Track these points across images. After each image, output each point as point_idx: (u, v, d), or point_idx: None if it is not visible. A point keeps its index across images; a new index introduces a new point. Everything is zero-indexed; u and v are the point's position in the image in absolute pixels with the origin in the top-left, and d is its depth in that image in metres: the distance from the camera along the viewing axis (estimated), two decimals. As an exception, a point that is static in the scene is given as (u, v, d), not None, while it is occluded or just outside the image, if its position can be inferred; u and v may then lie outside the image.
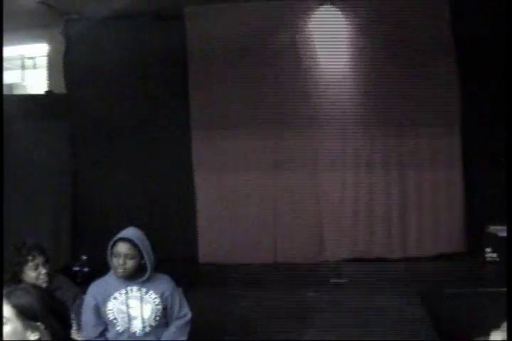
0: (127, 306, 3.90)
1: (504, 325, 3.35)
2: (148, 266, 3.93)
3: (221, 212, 7.49)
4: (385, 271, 6.80)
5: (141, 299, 3.92)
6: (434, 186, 7.40)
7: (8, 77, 10.97)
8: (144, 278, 3.94)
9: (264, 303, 5.78)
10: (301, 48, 7.33)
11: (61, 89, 7.75)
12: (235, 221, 7.45)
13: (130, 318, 3.90)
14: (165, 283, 4.04)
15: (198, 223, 7.53)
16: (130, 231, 3.98)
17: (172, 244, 6.74)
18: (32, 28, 7.79)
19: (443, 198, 7.39)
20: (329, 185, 7.42)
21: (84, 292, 4.15)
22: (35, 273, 3.89)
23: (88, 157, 7.52)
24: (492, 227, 7.13)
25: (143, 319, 3.91)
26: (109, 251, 3.91)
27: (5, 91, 10.25)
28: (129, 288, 3.93)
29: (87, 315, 3.95)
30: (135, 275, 3.93)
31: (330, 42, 7.20)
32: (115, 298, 3.92)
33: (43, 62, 9.39)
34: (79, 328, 4.01)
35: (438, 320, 5.41)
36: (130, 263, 3.88)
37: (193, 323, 4.06)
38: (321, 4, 7.22)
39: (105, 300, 3.91)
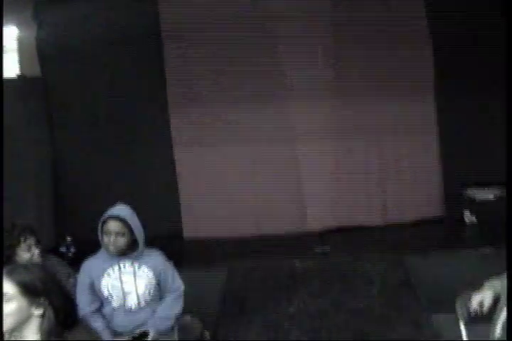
0: (121, 282, 3.96)
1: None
2: (140, 241, 3.99)
3: (202, 186, 7.51)
4: (367, 237, 6.95)
5: (135, 274, 3.98)
6: (411, 152, 7.49)
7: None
8: (136, 253, 4.01)
9: (250, 275, 5.88)
10: (275, 23, 7.33)
11: (33, 72, 7.67)
12: (217, 195, 7.48)
13: (124, 293, 3.97)
14: (156, 257, 4.11)
15: (181, 199, 7.57)
16: (119, 209, 4.03)
17: (156, 221, 6.77)
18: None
19: (420, 164, 7.48)
20: (307, 155, 7.47)
21: (75, 271, 4.21)
22: (28, 254, 3.92)
23: (67, 138, 7.48)
24: (470, 191, 7.28)
25: (137, 294, 3.98)
26: (99, 229, 3.96)
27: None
28: (121, 264, 4.00)
29: (82, 293, 4.01)
30: (127, 252, 3.99)
31: (307, 20, 7.22)
32: (108, 275, 3.99)
33: (11, 46, 9.28)
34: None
35: (422, 282, 5.55)
36: (121, 241, 3.95)
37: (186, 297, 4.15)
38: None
39: (99, 277, 3.98)
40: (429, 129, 7.46)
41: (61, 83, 7.42)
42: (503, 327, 3.22)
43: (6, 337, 2.35)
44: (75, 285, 4.07)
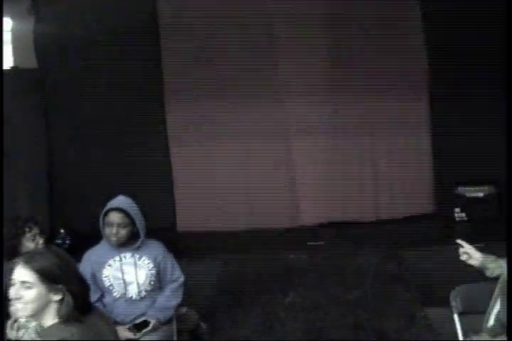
0: (122, 272, 4.04)
1: None
2: (141, 233, 4.07)
3: (196, 180, 7.56)
4: (359, 232, 7.03)
5: (135, 265, 4.06)
6: (403, 150, 7.58)
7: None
8: (137, 244, 4.08)
9: (245, 267, 5.95)
10: (273, 17, 7.39)
11: (28, 64, 7.68)
12: (211, 189, 7.53)
13: (126, 284, 4.04)
14: (157, 248, 4.19)
15: (175, 192, 7.64)
16: (120, 200, 4.11)
17: (150, 213, 6.81)
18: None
19: (412, 161, 7.57)
20: (300, 150, 7.55)
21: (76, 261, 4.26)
22: (33, 243, 3.96)
23: (62, 131, 7.51)
24: (460, 188, 7.37)
25: (138, 284, 4.05)
26: (101, 221, 4.04)
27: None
28: (122, 254, 4.08)
29: (84, 283, 4.07)
30: (127, 242, 4.06)
31: (303, 12, 7.27)
32: (110, 265, 4.06)
33: (5, 37, 9.26)
34: None
35: (414, 276, 5.65)
36: (123, 232, 4.03)
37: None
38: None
39: (100, 267, 4.06)
40: (422, 127, 7.54)
41: (58, 76, 7.43)
42: (496, 317, 3.31)
43: (24, 321, 2.41)
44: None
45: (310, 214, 7.56)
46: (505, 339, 3.10)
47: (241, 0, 7.35)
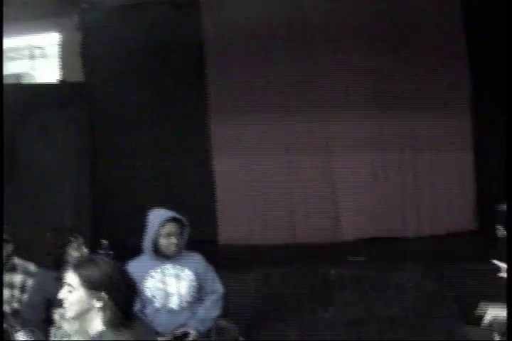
0: (164, 284, 4.08)
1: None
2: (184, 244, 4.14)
3: (239, 194, 7.63)
4: (400, 248, 6.98)
5: (177, 276, 4.11)
6: (446, 165, 7.54)
7: (17, 67, 11.06)
8: (178, 256, 4.13)
9: (286, 281, 5.96)
10: (315, 36, 7.44)
11: (74, 77, 7.84)
12: (254, 203, 7.60)
13: (167, 295, 4.09)
14: (198, 260, 4.26)
15: (218, 206, 7.69)
16: (171, 212, 4.16)
17: (193, 226, 6.86)
18: (42, 17, 7.88)
19: (455, 178, 7.53)
20: (344, 165, 7.55)
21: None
22: (78, 252, 4.05)
23: (108, 144, 7.63)
24: (503, 205, 7.28)
25: (179, 295, 4.10)
26: (155, 232, 4.08)
27: (13, 81, 10.37)
28: (164, 266, 4.14)
29: (125, 294, 4.13)
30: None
31: (342, 31, 7.31)
32: (152, 277, 4.12)
33: (52, 51, 9.46)
34: None
35: (455, 293, 5.59)
36: (181, 241, 4.12)
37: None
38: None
39: (142, 278, 4.10)
40: (465, 144, 7.49)
41: (104, 89, 7.56)
42: None
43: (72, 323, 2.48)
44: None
45: (351, 229, 7.54)
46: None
47: (284, 19, 7.38)
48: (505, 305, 3.49)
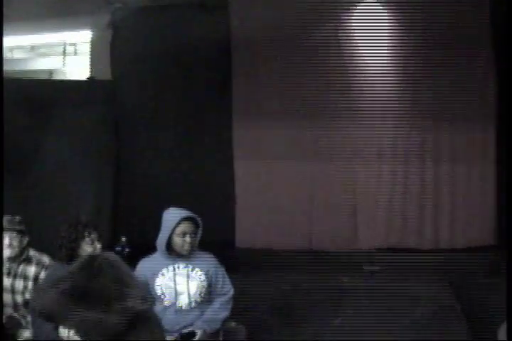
0: (175, 282, 4.12)
1: None
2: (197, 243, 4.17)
3: (259, 198, 7.63)
4: (416, 260, 6.95)
5: (188, 276, 4.14)
6: (467, 179, 7.48)
7: (49, 63, 11.21)
8: (191, 255, 4.16)
9: (298, 287, 5.97)
10: (343, 41, 7.42)
11: (102, 75, 7.93)
12: (272, 208, 7.58)
13: (177, 293, 4.12)
14: (209, 260, 4.28)
15: (237, 208, 7.71)
16: (187, 211, 4.19)
17: (211, 228, 6.89)
18: (75, 15, 7.97)
19: (476, 192, 7.46)
20: (364, 174, 7.53)
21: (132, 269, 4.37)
22: (91, 248, 4.11)
23: (132, 143, 7.70)
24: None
25: (189, 294, 4.13)
26: (170, 230, 4.11)
27: (45, 77, 10.52)
28: (176, 265, 4.17)
29: (136, 290, 4.17)
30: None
31: (371, 36, 7.26)
32: (163, 275, 4.15)
33: (84, 49, 9.57)
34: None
35: (469, 308, 5.55)
36: (195, 241, 4.15)
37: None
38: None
39: (153, 276, 4.14)
40: (487, 156, 7.43)
41: (130, 88, 7.64)
42: None
43: None
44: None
45: (368, 239, 7.51)
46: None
47: (311, 23, 7.39)
48: None
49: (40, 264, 4.52)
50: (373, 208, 7.52)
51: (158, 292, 4.12)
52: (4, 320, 4.38)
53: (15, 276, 4.48)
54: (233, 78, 7.66)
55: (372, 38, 7.27)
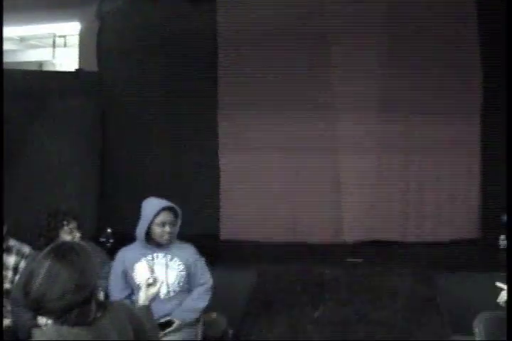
0: (153, 272, 4.12)
1: None
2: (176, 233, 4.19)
3: (243, 190, 7.66)
4: (399, 252, 6.99)
5: (166, 265, 4.15)
6: (451, 173, 7.53)
7: (39, 55, 11.22)
8: (170, 245, 4.18)
9: (279, 279, 5.99)
10: (331, 34, 7.47)
11: (91, 67, 7.94)
12: (257, 200, 7.62)
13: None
14: (189, 251, 4.29)
15: (221, 201, 7.75)
16: (166, 201, 4.20)
17: (195, 220, 6.92)
18: (65, 6, 7.98)
19: (460, 185, 7.53)
20: (349, 167, 7.57)
21: (111, 259, 4.40)
22: (70, 236, 4.13)
23: (118, 134, 7.72)
24: (507, 215, 7.25)
25: (167, 284, 4.14)
26: (149, 220, 4.13)
27: (35, 68, 10.51)
28: (155, 254, 4.17)
29: (115, 280, 4.20)
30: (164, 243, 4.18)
31: (358, 31, 7.34)
32: (142, 264, 4.16)
33: (73, 40, 9.59)
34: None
35: (448, 301, 5.59)
36: (174, 230, 4.16)
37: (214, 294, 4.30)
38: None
39: (132, 265, 4.15)
40: (472, 150, 7.48)
41: (116, 80, 7.66)
42: None
43: None
44: (109, 271, 4.26)
45: (352, 231, 7.57)
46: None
47: (298, 16, 7.43)
48: None
49: (20, 254, 4.52)
50: (357, 201, 7.55)
51: (137, 281, 4.13)
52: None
53: (-6, 266, 4.49)
54: (218, 69, 7.68)
55: (358, 31, 7.32)
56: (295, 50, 7.43)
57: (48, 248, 2.45)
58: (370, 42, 7.40)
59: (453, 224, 7.47)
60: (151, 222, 4.13)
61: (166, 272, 4.14)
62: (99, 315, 2.42)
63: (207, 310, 4.36)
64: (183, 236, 4.29)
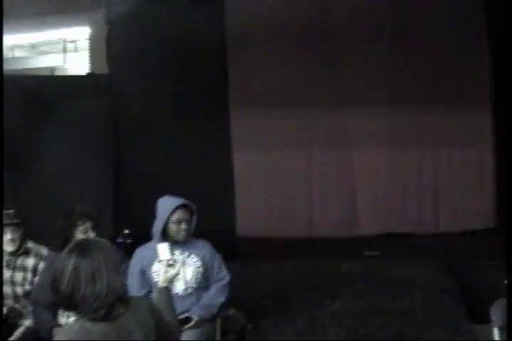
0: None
1: None
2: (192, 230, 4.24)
3: (258, 187, 7.70)
4: (416, 244, 6.99)
5: (184, 262, 4.18)
6: (466, 163, 7.54)
7: (50, 61, 11.28)
8: (186, 242, 4.23)
9: (297, 273, 6.02)
10: (338, 30, 7.50)
11: (101, 70, 7.98)
12: (272, 196, 7.66)
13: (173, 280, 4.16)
14: (205, 247, 4.34)
15: (237, 197, 7.75)
16: (181, 199, 4.25)
17: (211, 217, 6.93)
18: (73, 11, 8.04)
19: (475, 175, 7.53)
20: (363, 161, 7.60)
21: (128, 258, 4.45)
22: (85, 236, 4.17)
23: (133, 135, 7.75)
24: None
25: (185, 281, 4.18)
26: (165, 218, 4.18)
27: (46, 74, 10.57)
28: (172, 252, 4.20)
29: (133, 278, 4.24)
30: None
31: (367, 24, 7.36)
32: (159, 262, 4.19)
33: (84, 45, 9.64)
34: None
35: (466, 291, 5.59)
36: (190, 228, 4.23)
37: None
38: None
39: (150, 263, 4.19)
40: (485, 141, 7.47)
41: (127, 82, 7.69)
42: None
43: None
44: (126, 270, 4.30)
45: (369, 224, 7.58)
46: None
47: (308, 13, 7.44)
48: None
49: (38, 255, 4.59)
50: (373, 194, 7.57)
51: (155, 279, 4.16)
52: (6, 311, 4.46)
53: (14, 268, 4.56)
54: (229, 67, 7.71)
55: (367, 24, 7.34)
56: (305, 45, 7.44)
57: (71, 245, 2.49)
58: (379, 34, 7.42)
59: (468, 214, 7.48)
60: (167, 220, 4.18)
61: (184, 269, 4.17)
62: (121, 310, 2.46)
63: (225, 305, 4.39)
64: (199, 233, 4.32)
